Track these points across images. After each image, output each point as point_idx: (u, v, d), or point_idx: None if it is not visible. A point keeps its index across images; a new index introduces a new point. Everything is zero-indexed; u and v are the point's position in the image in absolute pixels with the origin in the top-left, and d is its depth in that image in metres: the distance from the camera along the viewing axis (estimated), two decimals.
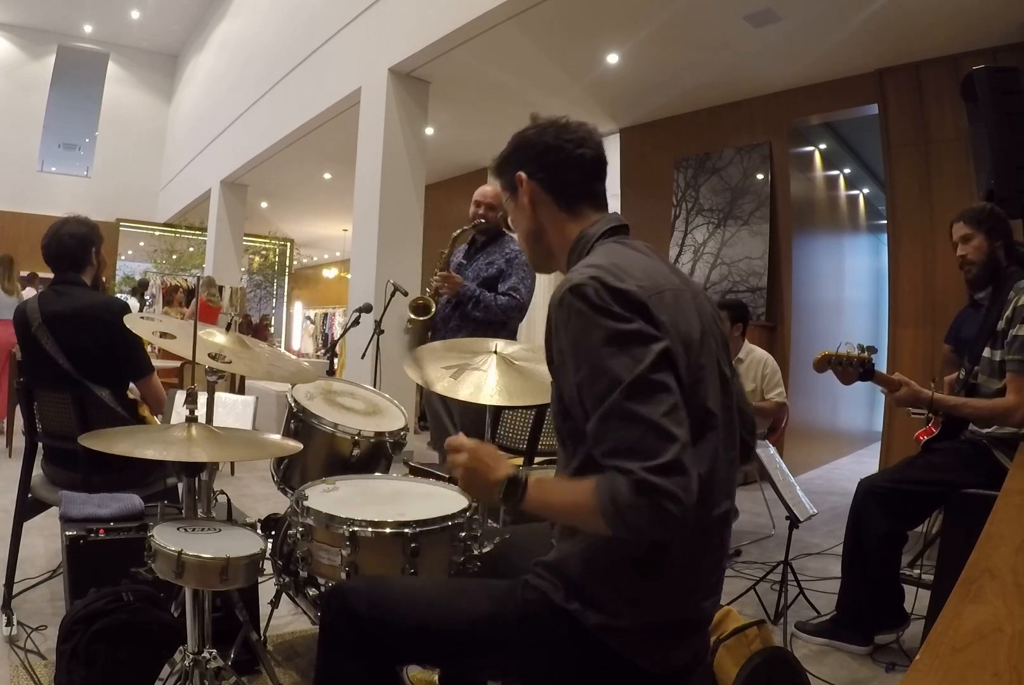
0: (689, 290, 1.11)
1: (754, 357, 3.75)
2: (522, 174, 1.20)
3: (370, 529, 1.41)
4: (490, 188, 3.24)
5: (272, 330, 13.25)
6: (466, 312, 3.15)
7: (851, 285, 6.89)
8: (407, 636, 1.08)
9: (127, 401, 2.28)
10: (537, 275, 3.40)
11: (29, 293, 5.93)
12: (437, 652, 1.11)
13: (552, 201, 1.20)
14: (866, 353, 2.20)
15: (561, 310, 1.01)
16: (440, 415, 3.28)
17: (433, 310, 3.16)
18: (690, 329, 1.04)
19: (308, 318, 17.84)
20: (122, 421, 2.12)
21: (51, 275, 2.31)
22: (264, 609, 1.99)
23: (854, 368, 2.19)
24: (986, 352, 2.20)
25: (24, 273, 7.09)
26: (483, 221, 3.18)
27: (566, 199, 1.20)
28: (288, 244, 14.43)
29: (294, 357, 2.17)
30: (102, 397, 2.16)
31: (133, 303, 9.78)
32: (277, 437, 1.72)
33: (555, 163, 1.18)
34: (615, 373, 0.94)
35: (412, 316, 3.21)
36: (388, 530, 1.41)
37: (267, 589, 1.85)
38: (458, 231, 3.28)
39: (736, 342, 3.75)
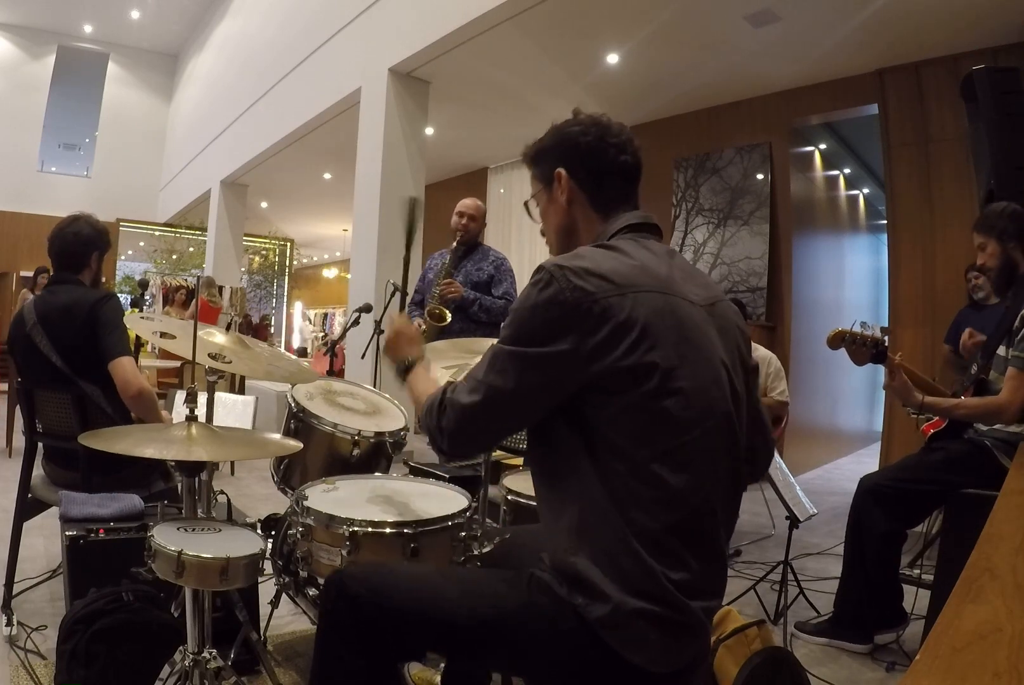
0: (689, 300, 1.10)
1: (757, 356, 3.77)
2: (562, 171, 1.20)
3: (370, 529, 1.41)
4: (471, 201, 3.61)
5: (272, 330, 13.25)
6: (469, 315, 3.42)
7: (851, 285, 6.89)
8: (408, 622, 1.06)
9: (121, 401, 2.21)
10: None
11: None
12: (438, 639, 1.09)
13: (588, 202, 1.21)
14: (880, 333, 2.19)
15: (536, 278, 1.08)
16: None
17: (448, 318, 3.30)
18: (657, 328, 1.04)
19: (308, 319, 17.84)
20: (112, 421, 2.11)
21: None
22: (264, 609, 1.99)
23: (867, 348, 2.18)
24: (1000, 350, 2.20)
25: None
26: (467, 232, 3.53)
27: (602, 202, 1.21)
28: (288, 244, 14.43)
29: (294, 357, 2.16)
30: (91, 395, 2.13)
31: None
32: (277, 437, 1.72)
33: (597, 166, 1.20)
34: (513, 334, 1.06)
35: (429, 321, 3.34)
36: (388, 530, 1.41)
37: (267, 589, 1.85)
38: (454, 245, 3.55)
39: None
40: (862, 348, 2.18)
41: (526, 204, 1.32)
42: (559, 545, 1.05)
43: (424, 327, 3.37)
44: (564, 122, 1.24)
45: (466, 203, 3.57)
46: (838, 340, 2.21)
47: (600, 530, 1.02)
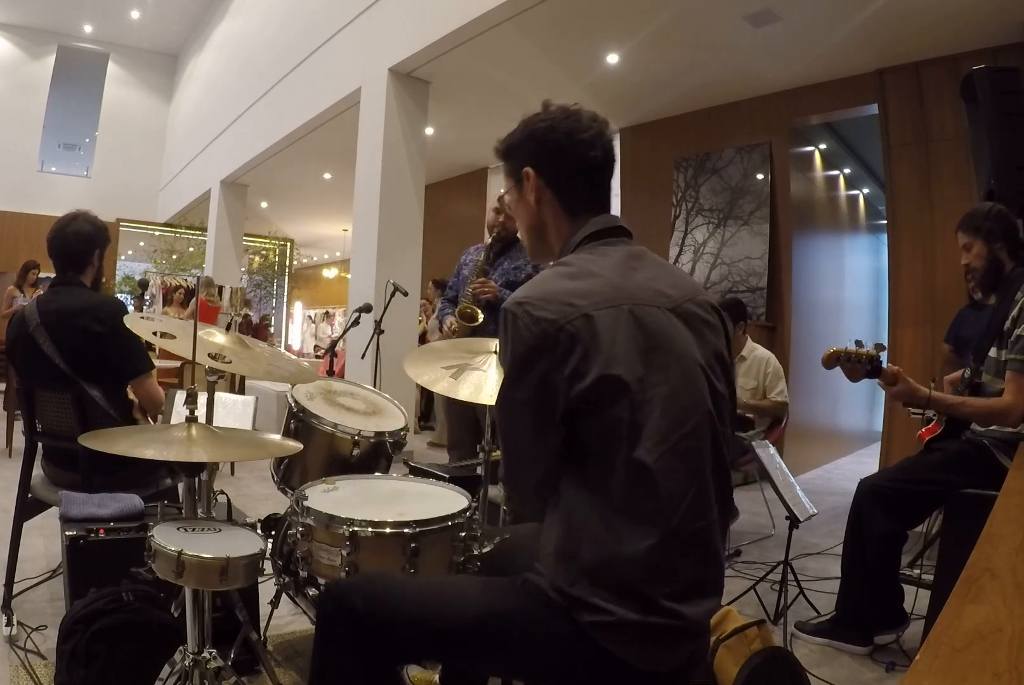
0: (655, 305, 1.08)
1: (756, 356, 3.77)
2: (530, 170, 1.18)
3: (370, 529, 1.41)
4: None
5: (272, 330, 13.26)
6: None
7: (851, 285, 6.89)
8: (406, 632, 1.07)
9: (122, 402, 2.25)
10: None
11: None
12: (436, 648, 1.11)
13: (556, 201, 1.19)
14: (874, 350, 2.20)
15: (501, 321, 1.09)
16: (458, 415, 3.28)
17: (480, 317, 3.16)
18: (621, 342, 1.03)
19: (309, 317, 17.85)
20: (114, 422, 2.12)
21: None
22: (264, 609, 1.99)
23: (862, 365, 2.19)
24: (992, 352, 2.20)
25: (44, 275, 7.15)
26: (504, 228, 3.29)
27: (570, 200, 1.19)
28: (288, 244, 14.43)
29: (294, 357, 2.16)
30: (92, 395, 2.14)
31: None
32: (277, 437, 1.72)
33: (565, 164, 1.17)
34: (503, 385, 1.08)
35: (460, 321, 3.22)
36: (388, 530, 1.41)
37: (267, 589, 1.85)
38: (490, 241, 3.35)
39: (739, 340, 3.77)
40: (857, 365, 2.19)
41: (500, 199, 1.32)
42: (549, 561, 1.06)
43: (456, 327, 3.26)
44: (534, 116, 1.20)
45: (504, 198, 3.42)
46: (833, 360, 2.22)
47: (589, 550, 1.02)
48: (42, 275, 6.86)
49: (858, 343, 2.22)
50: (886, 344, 4.89)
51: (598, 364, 1.01)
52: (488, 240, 3.35)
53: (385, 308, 3.84)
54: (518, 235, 1.27)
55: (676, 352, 1.07)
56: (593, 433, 1.03)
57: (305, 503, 1.50)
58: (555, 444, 1.06)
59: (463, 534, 1.46)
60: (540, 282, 1.10)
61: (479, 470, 2.21)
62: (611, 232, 1.18)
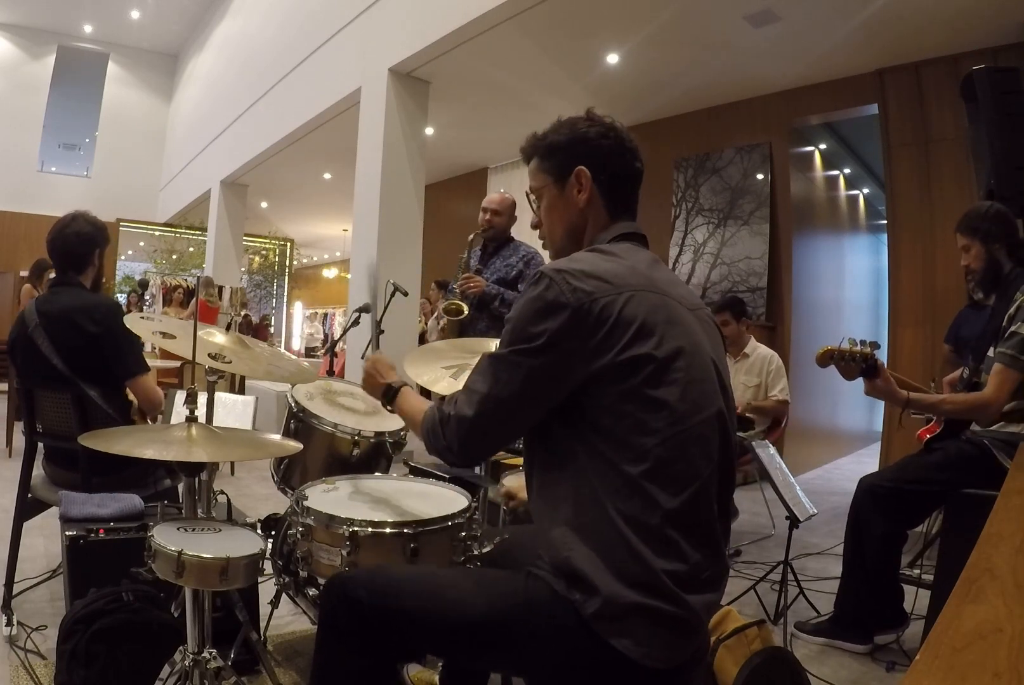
0: (678, 301, 1.14)
1: (759, 354, 3.79)
2: (586, 170, 1.22)
3: (370, 529, 1.41)
4: (497, 195, 3.42)
5: (272, 330, 13.26)
6: (492, 312, 3.24)
7: (851, 285, 6.89)
8: (409, 624, 1.07)
9: (122, 402, 2.25)
10: None
11: None
12: (438, 641, 1.11)
13: (603, 204, 1.24)
14: (868, 348, 2.18)
15: (532, 282, 1.11)
16: None
17: (466, 311, 3.19)
18: (649, 324, 1.06)
19: (308, 318, 17.86)
20: (114, 422, 2.12)
21: None
22: (264, 609, 1.99)
23: (856, 363, 2.18)
24: (991, 352, 2.20)
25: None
26: (492, 228, 3.33)
27: (614, 205, 1.24)
28: (288, 244, 14.43)
29: (294, 357, 2.16)
30: (91, 396, 2.15)
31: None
32: (277, 437, 1.72)
33: (618, 169, 1.23)
34: (517, 340, 1.07)
35: (448, 318, 3.24)
36: (388, 530, 1.41)
37: (267, 589, 1.85)
38: (472, 235, 3.39)
39: (743, 337, 3.78)
40: (851, 363, 2.18)
41: (528, 195, 1.33)
42: (554, 540, 1.06)
43: (443, 325, 3.27)
44: (579, 120, 1.25)
45: (491, 198, 3.43)
46: (826, 358, 2.22)
47: (595, 522, 1.03)
48: None
49: (852, 341, 2.21)
50: (885, 344, 4.92)
51: (624, 341, 1.04)
52: (471, 237, 3.38)
53: (385, 308, 3.83)
54: (537, 233, 1.26)
55: (695, 345, 1.11)
56: (610, 404, 1.04)
57: (305, 503, 1.50)
58: (544, 413, 1.09)
59: (463, 534, 1.46)
60: (579, 259, 1.13)
61: (479, 470, 2.21)
62: (637, 238, 1.24)
